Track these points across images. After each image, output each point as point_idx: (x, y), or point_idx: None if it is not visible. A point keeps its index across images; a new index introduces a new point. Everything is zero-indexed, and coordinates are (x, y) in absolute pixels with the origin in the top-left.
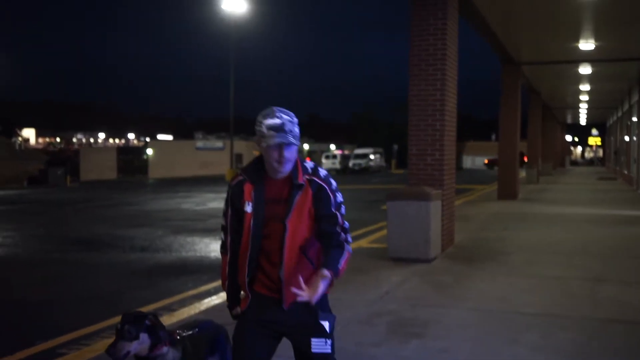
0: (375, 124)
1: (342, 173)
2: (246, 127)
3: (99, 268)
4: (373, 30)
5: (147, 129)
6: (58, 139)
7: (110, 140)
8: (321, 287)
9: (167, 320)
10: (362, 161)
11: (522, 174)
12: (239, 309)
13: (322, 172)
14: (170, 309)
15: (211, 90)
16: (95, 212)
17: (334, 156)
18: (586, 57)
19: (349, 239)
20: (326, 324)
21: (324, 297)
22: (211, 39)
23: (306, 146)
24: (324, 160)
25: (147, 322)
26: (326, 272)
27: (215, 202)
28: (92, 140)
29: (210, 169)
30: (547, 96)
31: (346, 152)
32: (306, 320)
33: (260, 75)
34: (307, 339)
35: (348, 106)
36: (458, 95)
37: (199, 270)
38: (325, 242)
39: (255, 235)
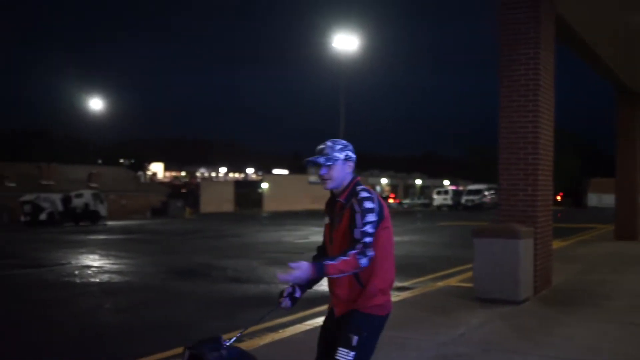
0: (492, 159)
1: (454, 209)
2: (358, 163)
3: (186, 297)
4: (488, 66)
5: (265, 164)
6: (183, 173)
7: (231, 175)
8: (295, 273)
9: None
10: (475, 197)
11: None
12: (288, 302)
13: (363, 194)
14: (239, 340)
15: (326, 126)
16: (202, 242)
17: (446, 192)
18: None
19: (368, 252)
20: (354, 338)
21: (362, 317)
22: (324, 76)
23: (419, 181)
24: (435, 196)
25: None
26: (306, 264)
27: (318, 236)
28: (213, 174)
29: (322, 204)
30: None
31: (461, 188)
32: (340, 332)
33: (373, 112)
34: (337, 347)
35: (464, 141)
36: (585, 129)
37: None
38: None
39: (331, 243)
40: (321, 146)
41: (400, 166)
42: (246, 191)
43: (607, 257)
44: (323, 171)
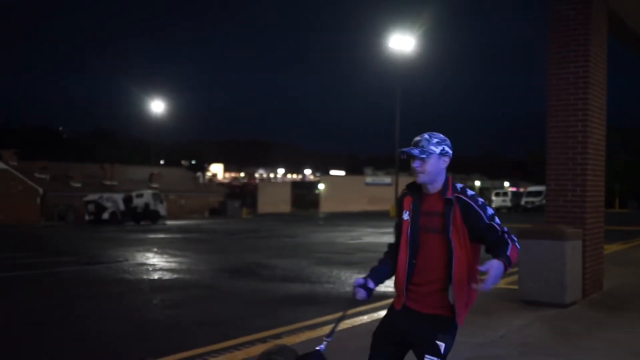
0: None
1: (514, 211)
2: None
3: (232, 294)
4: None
5: (322, 165)
6: (242, 174)
7: (289, 176)
8: (492, 273)
9: (260, 348)
10: (535, 199)
11: None
12: (363, 293)
13: (470, 192)
14: (277, 337)
15: (382, 126)
16: (255, 242)
17: (505, 193)
18: None
19: (514, 237)
20: (442, 346)
21: (450, 323)
22: (381, 77)
23: (477, 183)
24: (493, 198)
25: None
26: (495, 261)
27: (371, 237)
28: (272, 175)
29: (378, 204)
30: None
31: (521, 189)
32: (426, 337)
33: (432, 111)
34: (422, 354)
35: (527, 142)
36: None
37: (325, 302)
38: (493, 246)
39: (413, 241)
40: (417, 138)
41: (459, 167)
42: (303, 192)
43: None
44: (416, 164)
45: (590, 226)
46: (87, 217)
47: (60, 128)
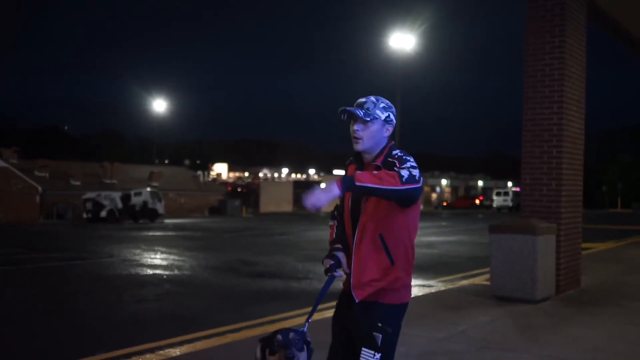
0: None
1: (515, 211)
2: (419, 163)
3: (206, 290)
4: None
5: (328, 165)
6: (246, 174)
7: (293, 175)
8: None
9: (218, 341)
10: None
11: None
12: (333, 265)
13: (399, 153)
14: (236, 331)
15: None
16: (246, 240)
17: (506, 193)
18: None
19: (413, 172)
20: (379, 337)
21: (386, 311)
22: (382, 75)
23: (480, 183)
24: (494, 197)
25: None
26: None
27: None
28: (276, 174)
29: None
30: None
31: None
32: (363, 328)
33: (435, 110)
34: (359, 347)
35: None
36: None
37: (296, 297)
38: None
39: (355, 213)
40: (362, 100)
41: (464, 167)
42: (305, 191)
43: None
44: (357, 127)
45: (566, 221)
46: (85, 215)
47: (66, 127)
